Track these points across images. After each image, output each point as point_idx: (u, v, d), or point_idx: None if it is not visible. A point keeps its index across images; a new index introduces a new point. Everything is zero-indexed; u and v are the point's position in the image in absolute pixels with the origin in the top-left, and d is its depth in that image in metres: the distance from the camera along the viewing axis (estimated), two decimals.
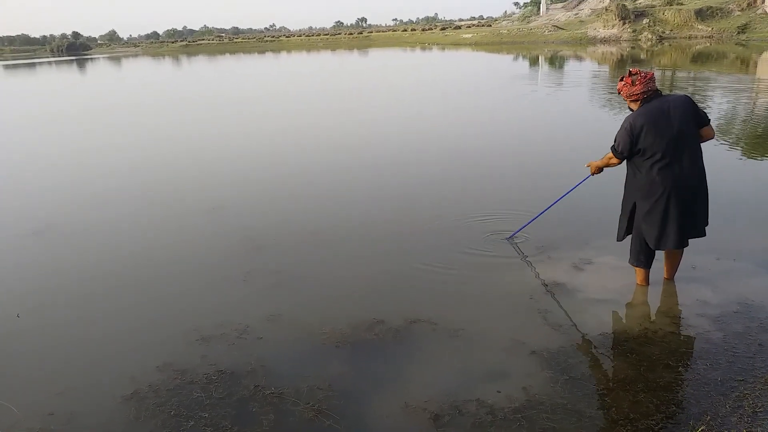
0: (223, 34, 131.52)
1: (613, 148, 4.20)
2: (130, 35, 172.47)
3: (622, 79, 4.14)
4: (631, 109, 4.20)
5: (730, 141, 10.31)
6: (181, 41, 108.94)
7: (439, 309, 4.35)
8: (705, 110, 4.13)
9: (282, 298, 4.72)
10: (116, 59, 70.03)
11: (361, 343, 3.94)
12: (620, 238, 4.49)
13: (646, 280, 4.49)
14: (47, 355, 4.09)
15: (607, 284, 4.62)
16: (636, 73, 4.06)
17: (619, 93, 4.19)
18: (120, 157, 11.17)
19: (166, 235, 6.41)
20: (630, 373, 3.48)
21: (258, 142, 12.22)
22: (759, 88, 17.41)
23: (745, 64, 25.69)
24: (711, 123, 4.11)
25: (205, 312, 4.53)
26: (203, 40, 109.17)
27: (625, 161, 4.26)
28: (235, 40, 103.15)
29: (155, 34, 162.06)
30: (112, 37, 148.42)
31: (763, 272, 4.73)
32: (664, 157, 3.99)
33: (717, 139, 10.20)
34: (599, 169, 4.61)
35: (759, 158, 9.21)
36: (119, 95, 26.02)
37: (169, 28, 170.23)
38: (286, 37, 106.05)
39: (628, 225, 4.36)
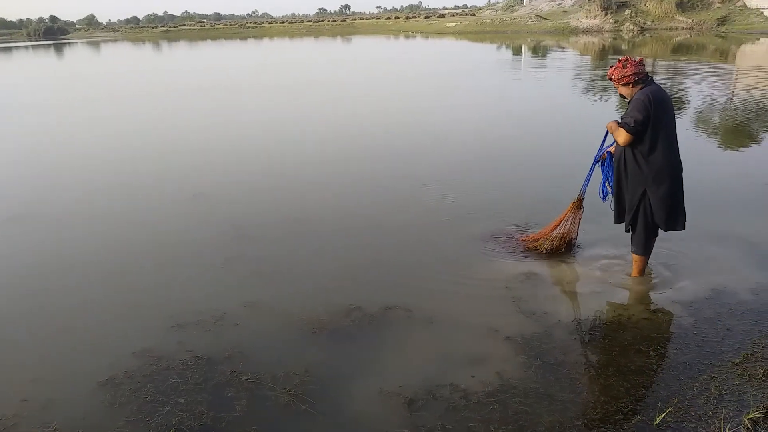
0: (204, 20, 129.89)
1: (626, 124, 4.01)
2: (109, 20, 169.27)
3: (612, 66, 4.18)
4: (623, 96, 4.22)
5: (709, 131, 10.46)
6: (161, 27, 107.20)
7: (414, 297, 4.38)
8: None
9: (260, 285, 4.72)
10: (95, 44, 68.79)
11: (337, 329, 3.96)
12: (626, 229, 4.40)
13: (644, 270, 4.50)
14: (21, 341, 4.06)
15: (583, 274, 4.69)
16: (626, 59, 4.12)
17: (610, 79, 4.20)
18: (100, 145, 11.04)
19: (145, 223, 6.36)
20: (602, 358, 3.55)
21: (242, 130, 12.10)
22: (737, 79, 17.63)
23: (725, 56, 26.00)
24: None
25: (182, 299, 4.52)
26: (184, 25, 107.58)
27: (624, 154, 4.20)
28: (216, 26, 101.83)
29: (135, 19, 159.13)
30: (90, 22, 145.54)
31: (736, 259, 4.83)
32: (668, 138, 4.05)
33: (696, 129, 10.35)
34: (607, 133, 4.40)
35: (736, 148, 9.36)
36: (100, 82, 25.61)
37: (150, 13, 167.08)
38: (269, 23, 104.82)
39: (634, 214, 4.25)
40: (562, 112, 12.91)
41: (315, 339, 3.87)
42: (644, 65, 4.11)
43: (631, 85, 4.11)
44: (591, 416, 3.03)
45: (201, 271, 5.03)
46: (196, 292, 4.63)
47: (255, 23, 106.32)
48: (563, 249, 4.98)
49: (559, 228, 4.95)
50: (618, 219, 4.44)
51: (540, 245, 5.02)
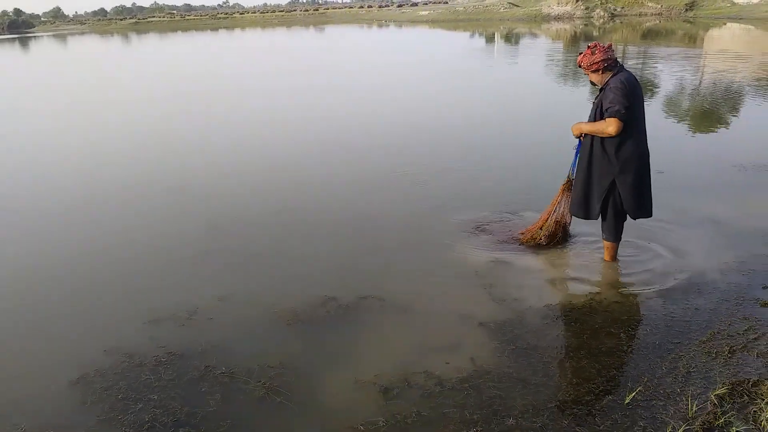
0: (174, 11, 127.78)
1: (618, 112, 3.91)
2: (76, 12, 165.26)
3: (581, 53, 4.18)
4: (593, 83, 4.22)
5: (679, 114, 10.63)
6: (130, 18, 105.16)
7: (389, 285, 4.39)
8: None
9: (234, 279, 4.68)
10: (62, 37, 67.25)
11: (312, 320, 3.95)
12: (596, 216, 4.38)
13: (616, 255, 4.55)
14: None
15: (555, 259, 4.73)
16: (595, 45, 4.12)
17: (580, 65, 4.18)
18: (72, 138, 10.83)
19: (116, 218, 6.26)
20: (573, 341, 3.60)
21: (218, 123, 11.93)
22: (705, 64, 17.92)
23: (693, 40, 26.38)
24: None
25: (155, 294, 4.47)
26: (154, 17, 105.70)
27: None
28: (187, 18, 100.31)
29: (102, 11, 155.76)
30: (56, 14, 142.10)
31: (704, 240, 4.92)
32: (638, 126, 4.06)
33: (666, 113, 10.51)
34: (582, 135, 4.29)
35: (705, 132, 9.53)
36: (72, 73, 25.08)
37: (117, 4, 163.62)
38: (240, 13, 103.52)
39: (604, 203, 4.26)
40: (536, 99, 13.00)
41: (290, 331, 3.85)
42: (613, 51, 4.12)
43: (601, 72, 4.10)
44: (563, 398, 3.08)
45: (175, 266, 4.97)
46: (170, 287, 4.58)
47: (226, 14, 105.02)
48: (560, 234, 4.86)
49: (552, 214, 4.83)
50: (585, 213, 4.41)
51: (537, 236, 4.88)
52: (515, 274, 4.51)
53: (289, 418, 3.07)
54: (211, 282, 4.64)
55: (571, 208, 4.58)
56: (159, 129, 11.35)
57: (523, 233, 5.02)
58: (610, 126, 3.97)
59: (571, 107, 11.03)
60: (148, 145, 9.86)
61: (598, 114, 4.13)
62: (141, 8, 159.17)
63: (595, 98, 4.23)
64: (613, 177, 4.15)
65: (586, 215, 4.43)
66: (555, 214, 4.85)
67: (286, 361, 3.52)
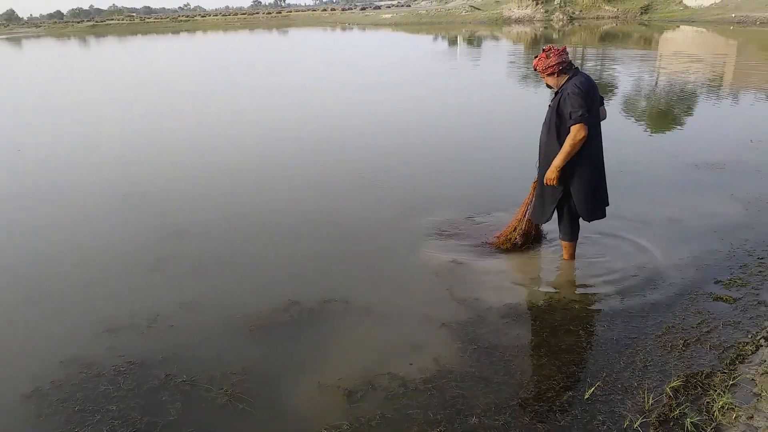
0: (133, 14, 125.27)
1: (581, 117, 3.93)
2: (31, 14, 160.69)
3: (536, 57, 4.22)
4: (549, 86, 4.25)
5: (636, 115, 10.89)
6: (87, 21, 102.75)
7: (353, 288, 4.39)
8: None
9: (196, 285, 4.61)
10: (16, 40, 65.29)
11: (276, 325, 3.92)
12: (548, 219, 4.49)
13: (574, 254, 4.63)
14: None
15: (513, 260, 4.77)
16: (549, 49, 4.16)
17: (536, 69, 4.20)
18: (19, 144, 10.49)
19: (71, 225, 6.09)
20: (534, 339, 3.66)
21: (176, 125, 11.73)
22: (661, 65, 18.42)
23: (648, 43, 27.08)
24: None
25: (113, 302, 4.36)
26: (112, 20, 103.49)
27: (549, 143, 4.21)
28: (147, 20, 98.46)
29: (59, 14, 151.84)
30: (10, 17, 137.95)
31: (661, 237, 5.05)
32: (593, 128, 4.08)
33: (624, 115, 10.75)
34: (559, 171, 4.15)
35: (661, 131, 9.79)
36: (25, 77, 24.35)
37: (74, 7, 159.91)
38: (202, 16, 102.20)
39: (558, 205, 4.34)
40: (499, 99, 13.17)
41: (253, 336, 3.82)
42: (567, 54, 4.16)
43: (556, 75, 4.14)
44: (525, 396, 3.12)
45: (133, 273, 4.87)
46: (128, 295, 4.48)
47: (188, 16, 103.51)
48: (533, 232, 4.86)
49: (525, 214, 4.78)
50: (539, 217, 4.51)
51: (512, 236, 4.84)
52: (476, 274, 4.54)
53: (252, 425, 3.04)
54: (172, 288, 4.56)
55: (530, 212, 4.65)
56: (115, 132, 11.08)
57: (498, 236, 4.97)
58: (578, 134, 3.98)
59: (535, 107, 11.20)
60: (104, 149, 9.63)
61: (554, 118, 4.15)
62: (99, 11, 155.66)
63: (551, 101, 4.27)
64: (567, 180, 4.20)
65: (539, 219, 4.53)
66: (528, 212, 4.82)
67: (249, 367, 3.48)
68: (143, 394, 3.27)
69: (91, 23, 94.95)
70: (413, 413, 3.01)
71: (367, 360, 3.49)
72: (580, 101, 3.95)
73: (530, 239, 4.88)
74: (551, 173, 4.15)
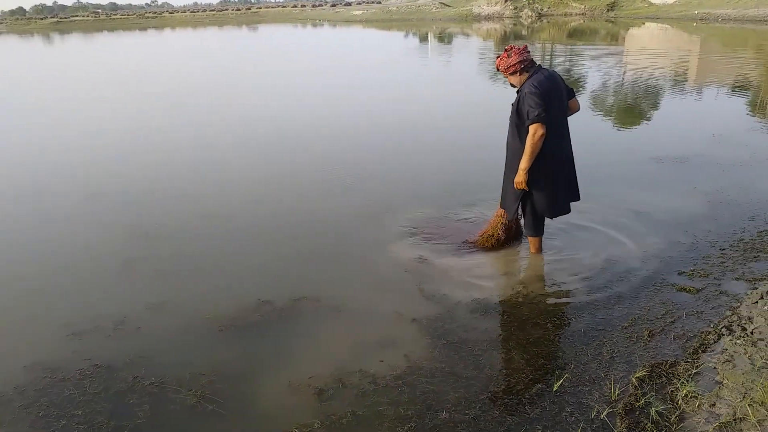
0: (99, 10, 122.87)
1: (538, 116, 3.94)
2: None
3: (498, 57, 4.24)
4: (513, 85, 4.25)
5: (604, 110, 11.07)
6: (51, 18, 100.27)
7: (323, 287, 4.37)
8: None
9: (164, 286, 4.55)
10: None
11: (246, 325, 3.89)
12: (513, 215, 4.55)
13: (541, 247, 4.68)
14: None
15: (481, 255, 4.79)
16: (511, 48, 4.18)
17: (498, 69, 4.22)
18: None
19: (35, 227, 5.95)
20: (502, 333, 3.70)
21: (139, 124, 11.52)
22: (627, 61, 18.73)
23: (615, 39, 27.52)
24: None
25: (78, 305, 4.28)
26: (77, 16, 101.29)
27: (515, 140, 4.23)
28: (113, 17, 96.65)
29: (21, 10, 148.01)
30: None
31: (627, 231, 5.13)
32: (557, 126, 4.10)
33: (592, 110, 10.91)
34: (527, 173, 4.17)
35: (627, 126, 9.96)
36: None
37: (37, 3, 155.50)
38: (170, 13, 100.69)
39: (522, 201, 4.36)
40: (471, 97, 13.24)
41: (223, 337, 3.78)
42: (529, 52, 4.18)
43: (518, 74, 4.14)
44: (494, 389, 3.15)
45: (99, 275, 4.78)
46: (94, 298, 4.40)
47: (155, 13, 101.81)
48: (514, 226, 4.83)
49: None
50: (509, 211, 4.57)
51: (495, 232, 4.81)
52: (445, 271, 4.55)
53: (222, 425, 3.01)
54: (140, 290, 4.49)
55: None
56: (79, 132, 10.85)
57: (481, 234, 4.93)
58: (536, 133, 3.99)
59: (506, 103, 11.29)
60: (68, 150, 9.42)
61: (514, 116, 4.19)
62: (63, 7, 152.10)
63: (514, 100, 4.27)
64: (530, 176, 4.20)
65: (509, 212, 4.58)
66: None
67: (218, 368, 3.45)
68: (110, 397, 3.22)
69: (55, 20, 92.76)
70: (384, 410, 3.02)
71: (338, 358, 3.49)
72: (537, 100, 3.97)
73: (512, 233, 4.86)
74: (519, 177, 4.18)
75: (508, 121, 4.31)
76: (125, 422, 3.03)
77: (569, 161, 4.36)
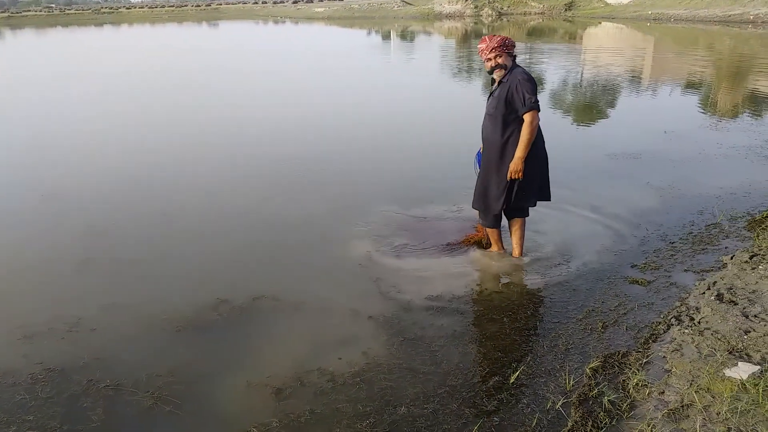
0: (53, 5, 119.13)
1: (535, 102, 3.98)
2: None
3: (481, 41, 4.20)
4: (491, 73, 4.19)
5: (562, 107, 11.27)
6: (2, 12, 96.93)
7: (281, 285, 4.36)
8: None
9: (120, 287, 4.46)
10: None
11: (204, 325, 3.84)
12: (499, 210, 4.41)
13: (501, 241, 4.69)
14: None
15: (438, 252, 4.82)
16: (488, 36, 4.21)
17: (481, 53, 4.16)
18: None
19: None
20: (458, 329, 3.73)
21: (95, 125, 11.20)
22: (585, 59, 19.12)
23: (573, 38, 28.04)
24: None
25: (30, 308, 4.16)
26: (29, 11, 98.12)
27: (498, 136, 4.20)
28: (67, 12, 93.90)
29: None
30: None
31: (582, 225, 5.27)
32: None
33: (552, 108, 11.09)
34: (523, 162, 4.15)
35: (583, 123, 10.17)
36: None
37: None
38: (127, 8, 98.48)
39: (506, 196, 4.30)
40: (434, 93, 13.32)
41: (180, 338, 3.73)
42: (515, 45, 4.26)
43: (504, 56, 4.12)
44: (452, 383, 3.19)
45: (52, 277, 4.65)
46: (47, 300, 4.28)
47: (111, 8, 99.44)
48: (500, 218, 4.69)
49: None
50: (486, 211, 4.49)
51: (481, 240, 4.83)
52: (401, 268, 4.57)
53: (179, 426, 2.98)
54: (95, 291, 4.39)
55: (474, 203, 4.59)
56: (29, 133, 10.51)
57: (468, 238, 4.93)
58: (534, 121, 4.01)
59: (475, 98, 11.40)
60: (18, 150, 9.13)
61: (501, 107, 4.10)
62: (15, 1, 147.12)
63: (494, 90, 4.22)
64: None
65: (482, 209, 4.52)
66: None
67: (176, 369, 3.40)
68: (63, 401, 3.15)
69: (6, 15, 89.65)
70: (343, 407, 3.03)
71: (296, 356, 3.48)
72: (533, 87, 4.01)
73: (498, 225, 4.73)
74: (516, 165, 4.12)
75: (485, 117, 4.29)
76: (79, 426, 2.96)
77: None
